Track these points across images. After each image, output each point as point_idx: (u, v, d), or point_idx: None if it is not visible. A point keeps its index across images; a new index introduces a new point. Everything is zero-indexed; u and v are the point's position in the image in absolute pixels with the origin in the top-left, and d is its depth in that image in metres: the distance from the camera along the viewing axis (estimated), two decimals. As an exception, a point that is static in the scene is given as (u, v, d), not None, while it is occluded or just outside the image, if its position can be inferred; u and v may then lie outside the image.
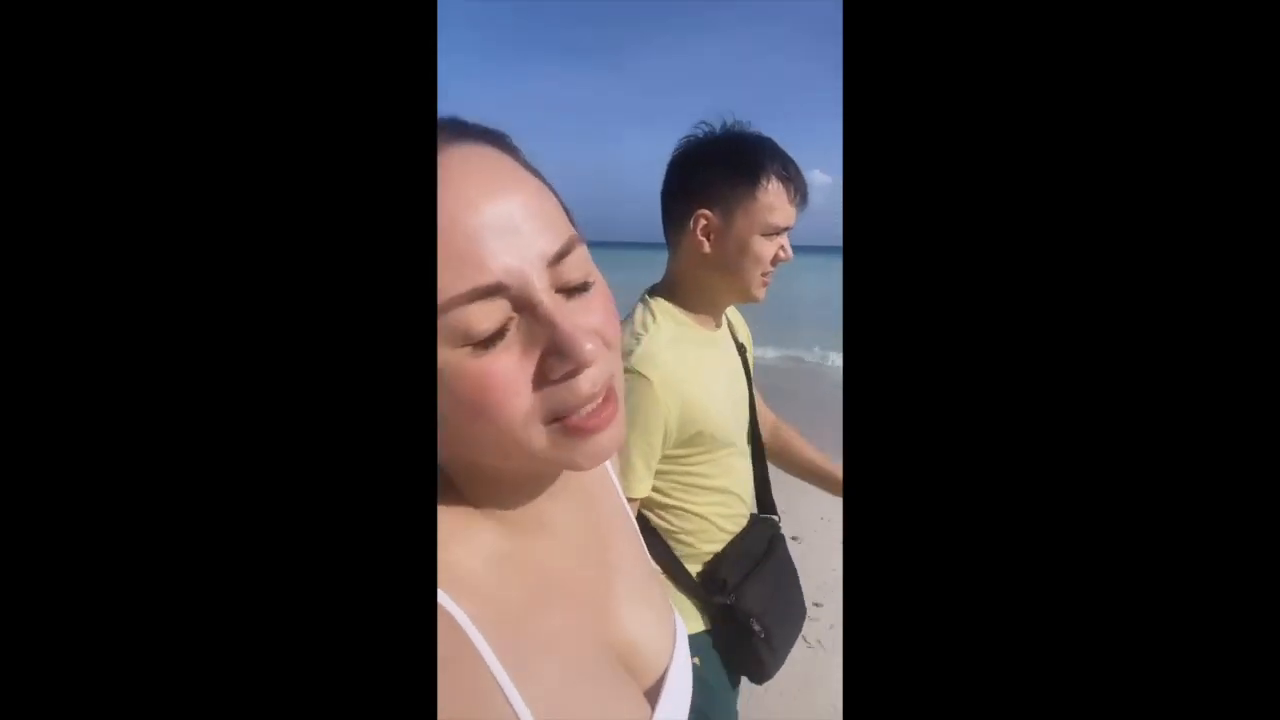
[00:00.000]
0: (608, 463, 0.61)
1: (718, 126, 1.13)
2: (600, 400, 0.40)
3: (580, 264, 0.40)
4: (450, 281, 0.36)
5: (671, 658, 0.53)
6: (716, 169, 1.09)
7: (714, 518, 1.16)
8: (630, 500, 1.04)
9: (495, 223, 0.37)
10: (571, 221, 0.42)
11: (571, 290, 0.40)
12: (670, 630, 0.56)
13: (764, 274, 1.12)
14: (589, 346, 0.38)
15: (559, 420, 0.40)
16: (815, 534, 3.17)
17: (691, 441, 1.09)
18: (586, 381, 0.39)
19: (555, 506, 0.49)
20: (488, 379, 0.37)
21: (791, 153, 1.12)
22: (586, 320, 0.40)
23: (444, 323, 0.36)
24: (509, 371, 0.38)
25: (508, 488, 0.46)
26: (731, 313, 1.30)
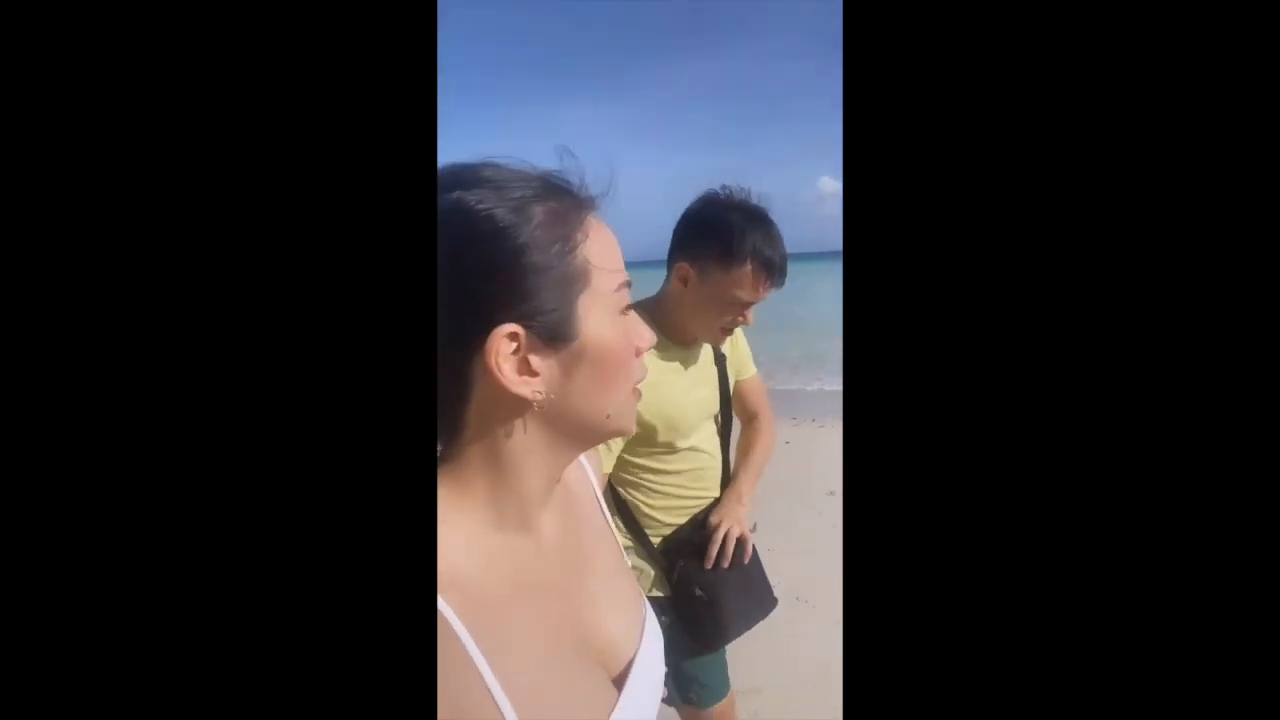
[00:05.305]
0: (589, 471, 0.69)
1: (737, 193, 1.28)
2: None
3: None
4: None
5: (638, 648, 0.59)
6: (711, 239, 1.24)
7: (677, 493, 1.37)
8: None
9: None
10: None
11: None
12: (639, 622, 0.62)
13: (722, 329, 1.29)
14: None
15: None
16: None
17: (651, 440, 1.30)
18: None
19: (541, 511, 0.56)
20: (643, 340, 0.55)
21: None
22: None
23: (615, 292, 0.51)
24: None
25: (512, 487, 0.52)
26: None
